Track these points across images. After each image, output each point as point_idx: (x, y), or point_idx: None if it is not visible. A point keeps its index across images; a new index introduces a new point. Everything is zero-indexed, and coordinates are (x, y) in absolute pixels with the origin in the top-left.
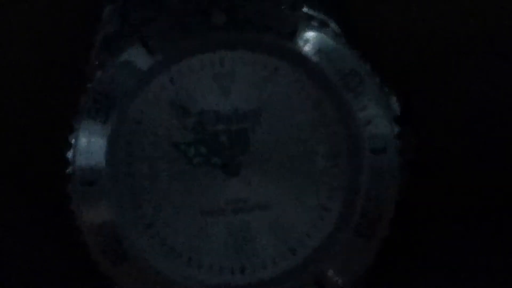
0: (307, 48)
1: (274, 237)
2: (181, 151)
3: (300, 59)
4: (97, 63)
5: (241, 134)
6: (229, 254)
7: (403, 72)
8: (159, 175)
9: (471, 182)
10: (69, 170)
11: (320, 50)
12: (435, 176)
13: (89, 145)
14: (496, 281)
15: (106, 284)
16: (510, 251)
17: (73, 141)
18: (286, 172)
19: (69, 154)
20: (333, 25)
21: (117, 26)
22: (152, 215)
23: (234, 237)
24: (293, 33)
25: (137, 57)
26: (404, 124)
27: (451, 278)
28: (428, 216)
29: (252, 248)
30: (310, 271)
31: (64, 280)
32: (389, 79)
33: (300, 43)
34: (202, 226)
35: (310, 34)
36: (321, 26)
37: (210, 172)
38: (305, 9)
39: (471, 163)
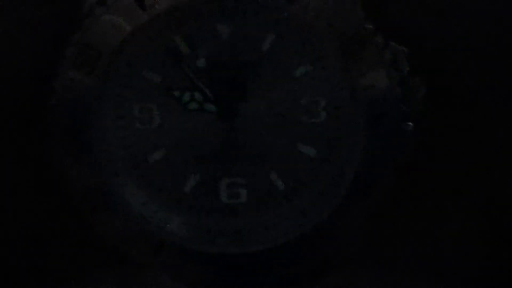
0: (307, 14)
1: (268, 185)
2: (175, 97)
3: (299, 24)
4: (87, 11)
5: (238, 82)
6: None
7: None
8: (151, 118)
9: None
10: (51, 116)
11: (319, 15)
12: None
13: (74, 92)
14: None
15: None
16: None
17: (57, 87)
18: (284, 122)
19: (53, 101)
20: None
21: None
22: (141, 158)
23: (226, 182)
24: None
25: (129, 11)
26: (414, 76)
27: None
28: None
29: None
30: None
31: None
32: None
33: (300, 8)
34: (193, 170)
35: None
36: None
37: (205, 118)
38: None
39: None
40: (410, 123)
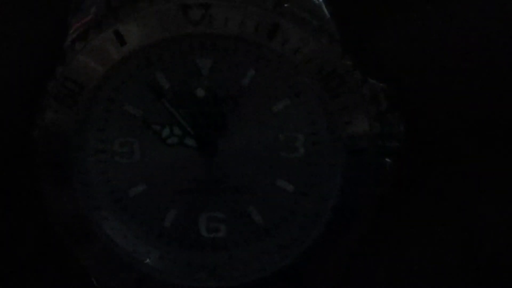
0: (286, 48)
1: (247, 219)
2: (154, 131)
3: (278, 60)
4: (69, 46)
5: (218, 117)
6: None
7: (393, 63)
8: (132, 153)
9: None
10: (34, 150)
11: (299, 51)
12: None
13: (56, 126)
14: None
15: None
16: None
17: (39, 120)
18: (263, 157)
19: (35, 134)
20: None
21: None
22: (122, 192)
23: (206, 217)
24: (273, 32)
25: (110, 45)
26: (392, 112)
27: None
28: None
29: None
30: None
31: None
32: (376, 72)
33: (280, 44)
34: (173, 204)
35: (290, 32)
36: (302, 23)
37: (185, 152)
38: (286, 5)
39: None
40: (388, 159)
